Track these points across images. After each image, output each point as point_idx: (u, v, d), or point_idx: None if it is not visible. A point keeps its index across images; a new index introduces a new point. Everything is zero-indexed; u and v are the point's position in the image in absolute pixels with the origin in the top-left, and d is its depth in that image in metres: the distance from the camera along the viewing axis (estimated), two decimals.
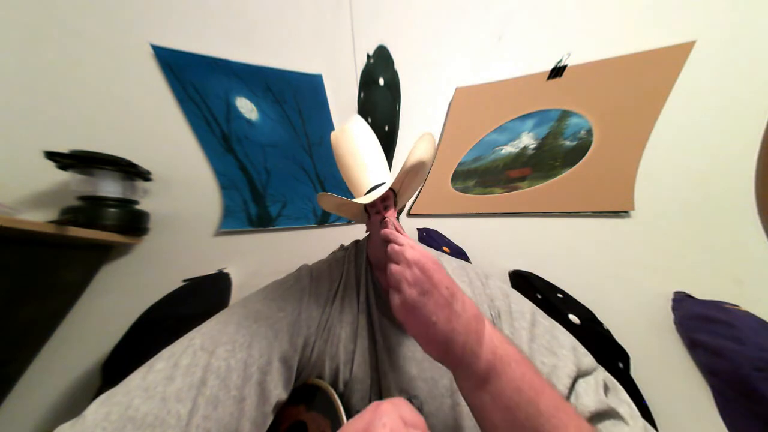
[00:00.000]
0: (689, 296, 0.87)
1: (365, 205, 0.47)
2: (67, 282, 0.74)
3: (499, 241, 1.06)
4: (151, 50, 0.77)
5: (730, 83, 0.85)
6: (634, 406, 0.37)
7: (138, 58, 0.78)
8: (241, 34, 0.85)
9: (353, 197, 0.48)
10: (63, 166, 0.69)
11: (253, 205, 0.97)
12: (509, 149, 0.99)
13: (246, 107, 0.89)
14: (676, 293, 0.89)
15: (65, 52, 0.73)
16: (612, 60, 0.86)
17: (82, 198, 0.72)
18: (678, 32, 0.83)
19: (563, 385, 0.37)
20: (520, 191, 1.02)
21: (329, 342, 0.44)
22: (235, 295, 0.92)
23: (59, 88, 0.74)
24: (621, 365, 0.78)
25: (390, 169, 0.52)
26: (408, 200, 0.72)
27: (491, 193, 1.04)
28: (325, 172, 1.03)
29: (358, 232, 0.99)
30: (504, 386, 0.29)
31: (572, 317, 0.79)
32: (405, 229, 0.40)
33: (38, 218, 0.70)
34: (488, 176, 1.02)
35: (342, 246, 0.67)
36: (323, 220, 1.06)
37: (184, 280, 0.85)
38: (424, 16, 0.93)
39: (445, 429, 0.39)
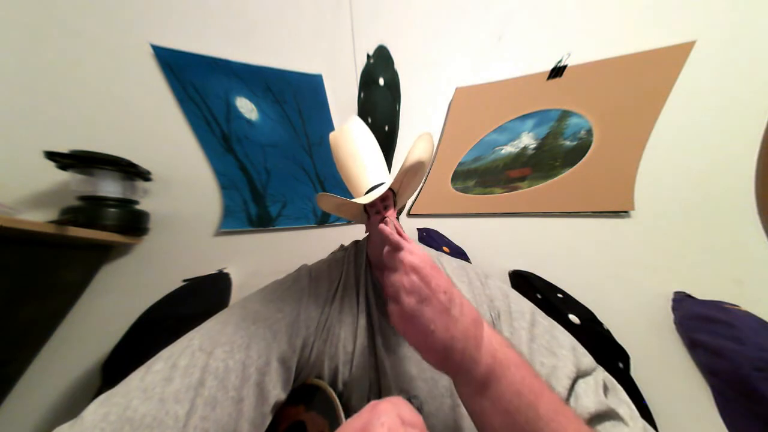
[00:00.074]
0: (689, 296, 0.87)
1: (365, 206, 0.47)
2: (67, 282, 0.74)
3: (499, 241, 1.05)
4: (151, 50, 0.77)
5: (730, 83, 0.85)
6: (633, 407, 0.37)
7: (138, 58, 0.78)
8: (241, 34, 0.85)
9: (353, 197, 0.48)
10: (63, 166, 0.69)
11: (253, 205, 0.97)
12: (509, 149, 0.99)
13: (246, 107, 0.89)
14: (676, 293, 0.89)
15: (65, 52, 0.73)
16: (612, 60, 0.86)
17: (82, 198, 0.72)
18: (678, 32, 0.83)
19: (563, 386, 0.37)
20: (520, 191, 1.02)
21: (328, 342, 0.44)
22: (235, 295, 0.92)
23: (59, 88, 0.74)
24: (621, 365, 0.78)
25: (390, 170, 0.52)
26: (407, 200, 0.72)
27: (491, 193, 1.04)
28: (325, 172, 1.03)
29: (358, 232, 0.99)
30: (504, 390, 0.29)
31: (572, 317, 0.79)
32: (405, 229, 0.40)
33: (38, 218, 0.70)
34: (488, 176, 1.02)
35: (342, 246, 0.67)
36: (323, 220, 1.06)
37: (184, 280, 0.85)
38: (424, 16, 0.93)
39: (445, 429, 0.39)
